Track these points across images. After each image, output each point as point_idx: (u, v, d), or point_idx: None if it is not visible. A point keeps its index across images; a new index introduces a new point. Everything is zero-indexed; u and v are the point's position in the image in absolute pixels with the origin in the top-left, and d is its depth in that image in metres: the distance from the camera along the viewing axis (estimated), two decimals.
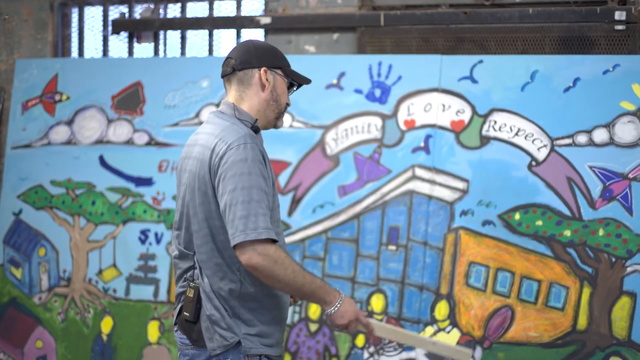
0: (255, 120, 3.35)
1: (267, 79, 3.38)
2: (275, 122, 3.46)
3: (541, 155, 4.69)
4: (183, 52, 6.02)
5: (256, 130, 3.36)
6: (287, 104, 3.46)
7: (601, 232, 4.52)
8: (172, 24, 5.96)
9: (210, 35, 5.93)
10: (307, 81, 3.52)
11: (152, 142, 5.49)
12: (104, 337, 5.44)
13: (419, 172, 4.89)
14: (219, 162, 3.20)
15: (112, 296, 5.43)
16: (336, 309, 3.30)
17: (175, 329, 3.43)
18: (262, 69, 3.38)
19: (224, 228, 3.22)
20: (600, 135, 4.60)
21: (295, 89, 3.53)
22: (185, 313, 3.33)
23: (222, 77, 3.45)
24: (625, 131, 4.55)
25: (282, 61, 3.46)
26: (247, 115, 3.35)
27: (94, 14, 6.26)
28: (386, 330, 3.65)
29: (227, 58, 3.43)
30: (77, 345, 5.51)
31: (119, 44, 6.19)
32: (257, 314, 3.29)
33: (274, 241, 3.15)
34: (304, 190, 5.10)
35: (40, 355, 5.60)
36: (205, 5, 5.97)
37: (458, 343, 4.71)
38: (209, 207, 3.25)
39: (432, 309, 4.79)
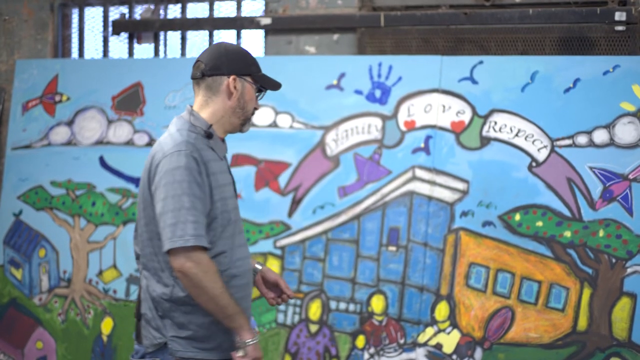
0: (209, 126, 3.34)
1: (235, 87, 3.35)
2: (241, 128, 3.44)
3: (541, 156, 4.69)
4: (183, 53, 6.02)
5: (209, 136, 3.33)
6: (256, 109, 3.43)
7: (601, 233, 4.52)
8: (172, 24, 5.96)
9: (211, 35, 5.93)
10: (277, 87, 3.49)
11: (152, 143, 5.48)
12: (104, 338, 5.44)
13: (419, 173, 4.89)
14: (155, 170, 3.24)
15: (112, 297, 5.44)
16: (253, 341, 3.24)
17: None
18: (232, 77, 3.35)
19: (159, 234, 3.25)
20: (600, 136, 4.60)
21: (264, 93, 3.48)
22: (135, 310, 3.42)
23: (192, 79, 3.43)
24: (625, 132, 4.55)
25: (251, 67, 3.41)
26: (202, 121, 3.34)
27: (94, 14, 6.26)
28: None
29: (197, 61, 3.40)
30: (78, 346, 5.51)
31: (119, 45, 6.19)
32: (192, 317, 3.29)
33: (205, 249, 3.17)
34: (304, 191, 5.10)
35: (40, 356, 5.60)
36: (206, 5, 5.96)
37: (458, 344, 4.71)
38: (149, 212, 3.29)
39: (433, 310, 4.79)
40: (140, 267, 3.44)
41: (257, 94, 3.44)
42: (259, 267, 3.65)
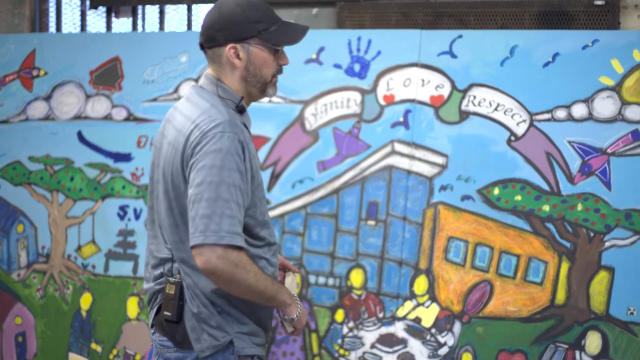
0: (241, 99, 2.98)
1: (237, 56, 2.95)
2: (262, 95, 3.07)
3: (520, 130, 4.69)
4: (162, 27, 5.99)
5: (241, 110, 3.00)
6: (282, 66, 3.05)
7: (580, 207, 4.53)
8: None
9: (189, 9, 5.90)
10: (295, 40, 3.03)
11: (130, 118, 5.45)
12: (83, 313, 5.42)
13: (398, 147, 4.88)
14: (191, 152, 2.84)
15: (91, 272, 5.42)
16: (299, 313, 3.05)
17: (153, 330, 3.11)
18: (229, 46, 2.93)
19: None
20: (579, 110, 4.60)
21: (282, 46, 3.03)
22: (166, 312, 2.98)
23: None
24: (604, 106, 4.56)
25: (253, 28, 2.93)
26: (231, 93, 2.98)
27: None
28: None
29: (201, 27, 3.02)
30: (57, 322, 5.49)
31: (97, 19, 6.15)
32: (248, 311, 2.99)
33: (239, 248, 2.81)
34: (283, 165, 5.09)
35: (19, 332, 5.59)
36: None
37: (437, 318, 4.72)
38: (183, 201, 2.90)
39: (411, 284, 4.79)
40: (151, 254, 3.10)
41: (276, 49, 3.00)
42: None
